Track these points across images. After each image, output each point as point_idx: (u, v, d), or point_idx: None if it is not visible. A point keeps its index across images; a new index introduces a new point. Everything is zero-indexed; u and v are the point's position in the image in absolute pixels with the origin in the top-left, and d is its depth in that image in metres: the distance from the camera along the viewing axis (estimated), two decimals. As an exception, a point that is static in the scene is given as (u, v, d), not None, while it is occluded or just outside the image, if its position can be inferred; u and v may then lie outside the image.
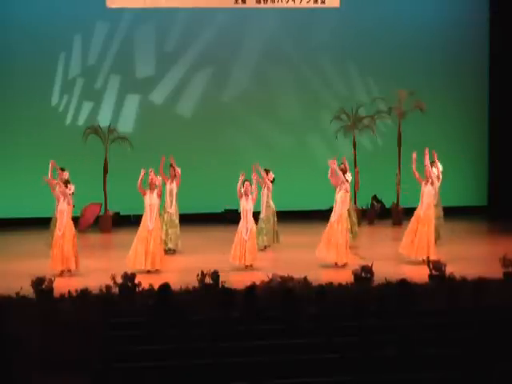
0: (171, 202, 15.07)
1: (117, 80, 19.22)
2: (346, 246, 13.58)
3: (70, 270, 13.12)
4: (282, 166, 18.56)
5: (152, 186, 13.44)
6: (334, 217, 13.76)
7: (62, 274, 12.88)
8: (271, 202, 15.46)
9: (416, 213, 14.14)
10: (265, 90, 19.58)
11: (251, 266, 13.50)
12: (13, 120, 18.63)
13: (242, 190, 13.56)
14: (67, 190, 13.27)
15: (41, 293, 10.72)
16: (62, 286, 11.19)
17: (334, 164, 13.81)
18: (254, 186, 13.75)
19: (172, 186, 15.11)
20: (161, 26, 19.23)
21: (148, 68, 19.31)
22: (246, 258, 13.42)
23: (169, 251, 14.86)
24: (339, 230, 13.58)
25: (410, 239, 13.91)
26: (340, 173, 13.81)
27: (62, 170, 15.29)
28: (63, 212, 13.29)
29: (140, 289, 10.82)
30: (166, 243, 14.79)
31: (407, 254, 13.90)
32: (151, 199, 13.37)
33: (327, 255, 13.60)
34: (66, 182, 13.51)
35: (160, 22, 19.21)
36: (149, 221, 13.33)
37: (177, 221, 15.13)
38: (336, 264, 13.56)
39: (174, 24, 19.32)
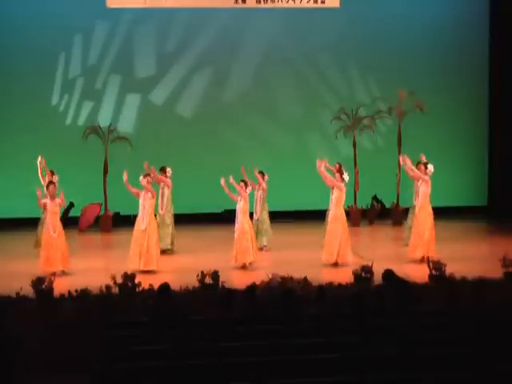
0: (163, 203, 15.05)
1: (117, 80, 19.23)
2: (340, 245, 13.53)
3: (63, 271, 13.07)
4: (283, 166, 18.61)
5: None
6: (329, 217, 13.83)
7: (54, 274, 12.60)
8: (266, 204, 15.49)
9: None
10: (265, 90, 19.60)
11: (247, 265, 13.47)
12: (13, 120, 18.65)
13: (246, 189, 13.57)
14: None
15: (41, 293, 10.72)
16: (62, 286, 11.19)
17: (320, 167, 13.90)
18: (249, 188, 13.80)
19: (164, 188, 15.08)
20: (161, 26, 19.24)
21: (148, 68, 19.31)
22: (237, 258, 13.44)
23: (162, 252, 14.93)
24: (334, 229, 13.58)
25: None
26: (332, 175, 13.95)
27: (52, 173, 15.23)
28: (56, 213, 13.19)
29: (140, 289, 10.83)
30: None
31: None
32: (144, 199, 13.37)
33: (329, 256, 13.60)
34: (49, 183, 13.40)
35: (160, 22, 19.21)
36: (141, 221, 13.34)
37: (168, 221, 15.06)
38: (336, 263, 13.54)
39: (174, 24, 19.32)
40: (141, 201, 13.37)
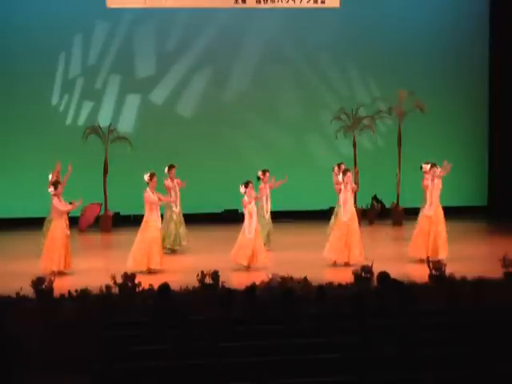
0: (177, 201, 15.19)
1: (117, 80, 19.22)
2: (360, 244, 13.61)
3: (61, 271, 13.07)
4: (282, 166, 18.53)
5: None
6: (345, 216, 13.69)
7: (54, 274, 12.45)
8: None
9: (424, 214, 14.03)
10: (265, 90, 19.58)
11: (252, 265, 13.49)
12: (13, 120, 18.62)
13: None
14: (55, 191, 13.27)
15: (41, 293, 10.72)
16: (61, 286, 11.19)
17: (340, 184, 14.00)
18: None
19: (176, 187, 15.17)
20: (161, 26, 19.23)
21: (148, 68, 19.30)
22: (257, 258, 13.43)
23: (179, 249, 15.15)
24: (355, 229, 13.63)
25: (422, 240, 13.85)
26: (340, 177, 14.02)
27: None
28: (65, 212, 13.27)
29: (140, 289, 10.83)
30: (179, 242, 15.13)
31: (417, 255, 13.83)
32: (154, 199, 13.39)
33: (340, 255, 13.59)
34: (57, 183, 13.43)
35: (160, 22, 19.20)
36: (159, 220, 13.36)
37: (182, 219, 15.29)
38: (346, 263, 13.55)
39: (174, 24, 19.31)
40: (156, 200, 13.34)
